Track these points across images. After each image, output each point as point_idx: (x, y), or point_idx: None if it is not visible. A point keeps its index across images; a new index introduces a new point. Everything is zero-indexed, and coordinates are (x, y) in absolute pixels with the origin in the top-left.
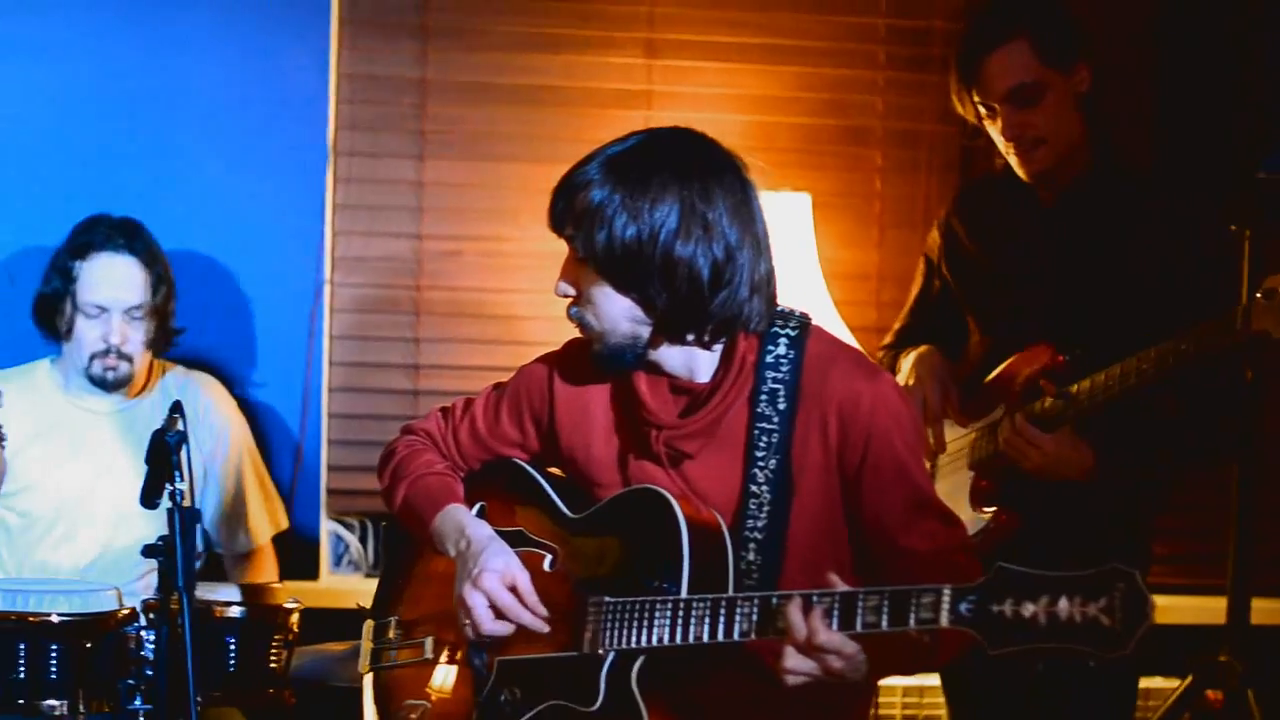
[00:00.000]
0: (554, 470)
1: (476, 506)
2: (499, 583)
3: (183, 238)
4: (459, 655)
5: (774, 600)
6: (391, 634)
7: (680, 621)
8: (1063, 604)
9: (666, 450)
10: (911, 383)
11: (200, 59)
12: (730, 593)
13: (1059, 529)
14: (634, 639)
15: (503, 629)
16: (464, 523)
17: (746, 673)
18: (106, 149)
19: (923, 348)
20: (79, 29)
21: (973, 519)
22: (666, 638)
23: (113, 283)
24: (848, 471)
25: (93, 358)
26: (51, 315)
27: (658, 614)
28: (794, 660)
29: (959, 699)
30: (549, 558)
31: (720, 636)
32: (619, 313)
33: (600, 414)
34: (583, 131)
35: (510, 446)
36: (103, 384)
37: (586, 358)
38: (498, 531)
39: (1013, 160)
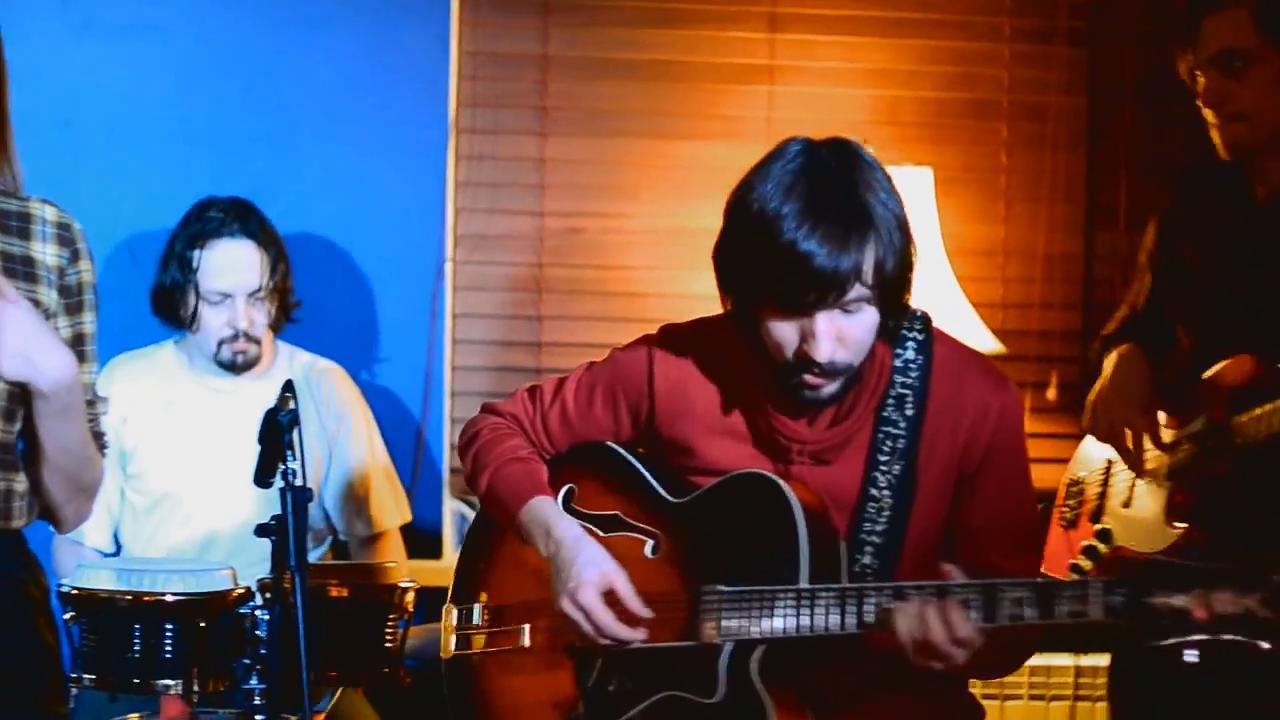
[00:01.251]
0: (640, 450)
1: (565, 489)
2: (596, 597)
3: (304, 217)
4: (558, 643)
5: (907, 591)
6: (478, 619)
7: (805, 612)
8: (1217, 596)
9: (802, 457)
10: (1108, 384)
11: (322, 37)
12: (843, 580)
13: (1246, 549)
14: (754, 628)
15: (609, 644)
16: (550, 520)
17: (862, 660)
18: (228, 129)
19: (1125, 347)
20: (199, 10)
21: (1163, 534)
22: (791, 628)
23: (234, 269)
24: (963, 480)
25: (221, 343)
26: (173, 305)
27: (779, 604)
28: (925, 654)
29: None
30: (650, 543)
31: (850, 628)
32: (871, 337)
33: (702, 403)
34: (704, 106)
35: (602, 432)
36: (232, 367)
37: (685, 345)
38: (590, 515)
39: (1214, 136)
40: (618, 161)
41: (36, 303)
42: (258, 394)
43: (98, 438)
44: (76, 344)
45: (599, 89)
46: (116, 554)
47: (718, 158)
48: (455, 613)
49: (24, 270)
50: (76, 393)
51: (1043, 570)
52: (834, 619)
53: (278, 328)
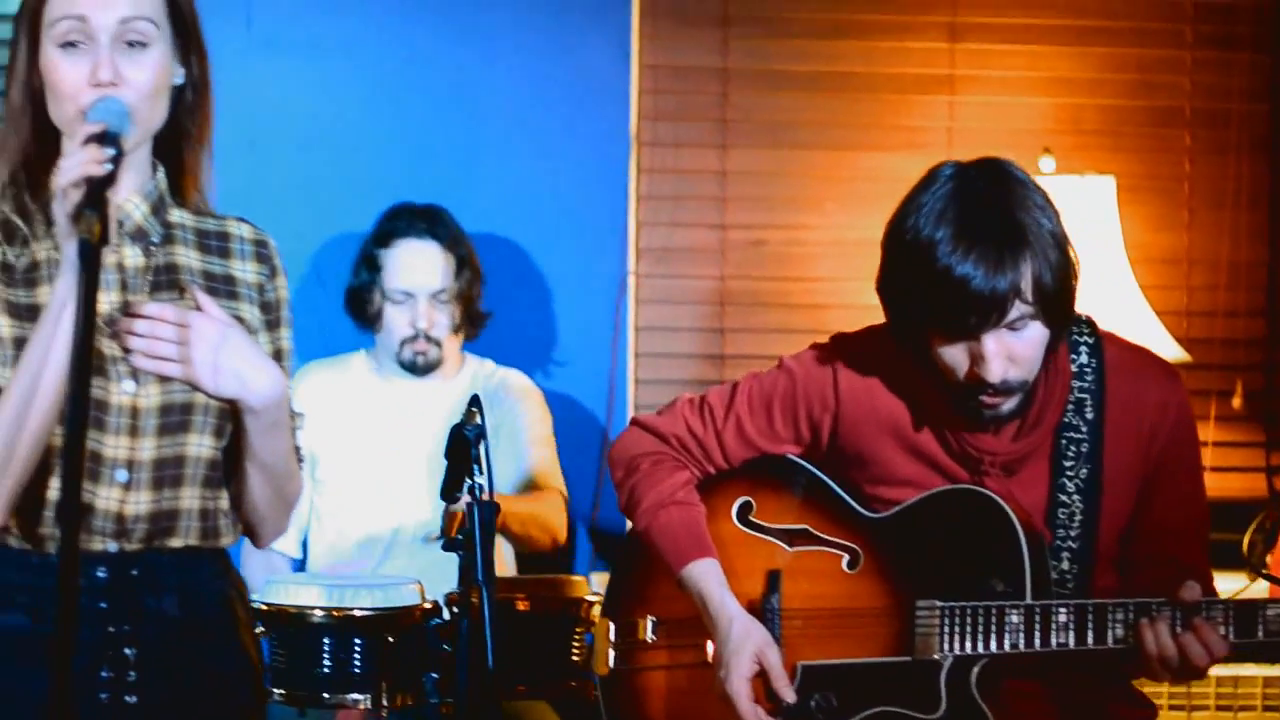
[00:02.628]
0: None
1: (740, 501)
2: (745, 686)
3: (487, 230)
4: None
5: (1154, 607)
6: (645, 634)
7: (1039, 627)
8: None
9: (993, 469)
10: None
11: (504, 50)
12: (1051, 598)
13: None
14: (980, 644)
15: None
16: (705, 595)
17: (1078, 672)
18: (412, 141)
19: None
20: (386, 25)
21: None
22: (1022, 643)
23: (417, 268)
24: (1148, 477)
25: (403, 343)
26: (362, 305)
27: (1009, 619)
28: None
29: None
30: (846, 558)
31: (1089, 643)
32: (1040, 352)
33: (887, 415)
34: (885, 117)
35: (779, 446)
36: (413, 368)
37: (864, 355)
38: (775, 529)
39: None
40: (799, 173)
41: (239, 320)
42: (442, 400)
43: (297, 451)
44: (276, 359)
45: (779, 101)
46: (303, 560)
47: (899, 168)
48: (613, 627)
49: (226, 289)
50: (284, 408)
51: None
52: (1071, 635)
53: (467, 337)
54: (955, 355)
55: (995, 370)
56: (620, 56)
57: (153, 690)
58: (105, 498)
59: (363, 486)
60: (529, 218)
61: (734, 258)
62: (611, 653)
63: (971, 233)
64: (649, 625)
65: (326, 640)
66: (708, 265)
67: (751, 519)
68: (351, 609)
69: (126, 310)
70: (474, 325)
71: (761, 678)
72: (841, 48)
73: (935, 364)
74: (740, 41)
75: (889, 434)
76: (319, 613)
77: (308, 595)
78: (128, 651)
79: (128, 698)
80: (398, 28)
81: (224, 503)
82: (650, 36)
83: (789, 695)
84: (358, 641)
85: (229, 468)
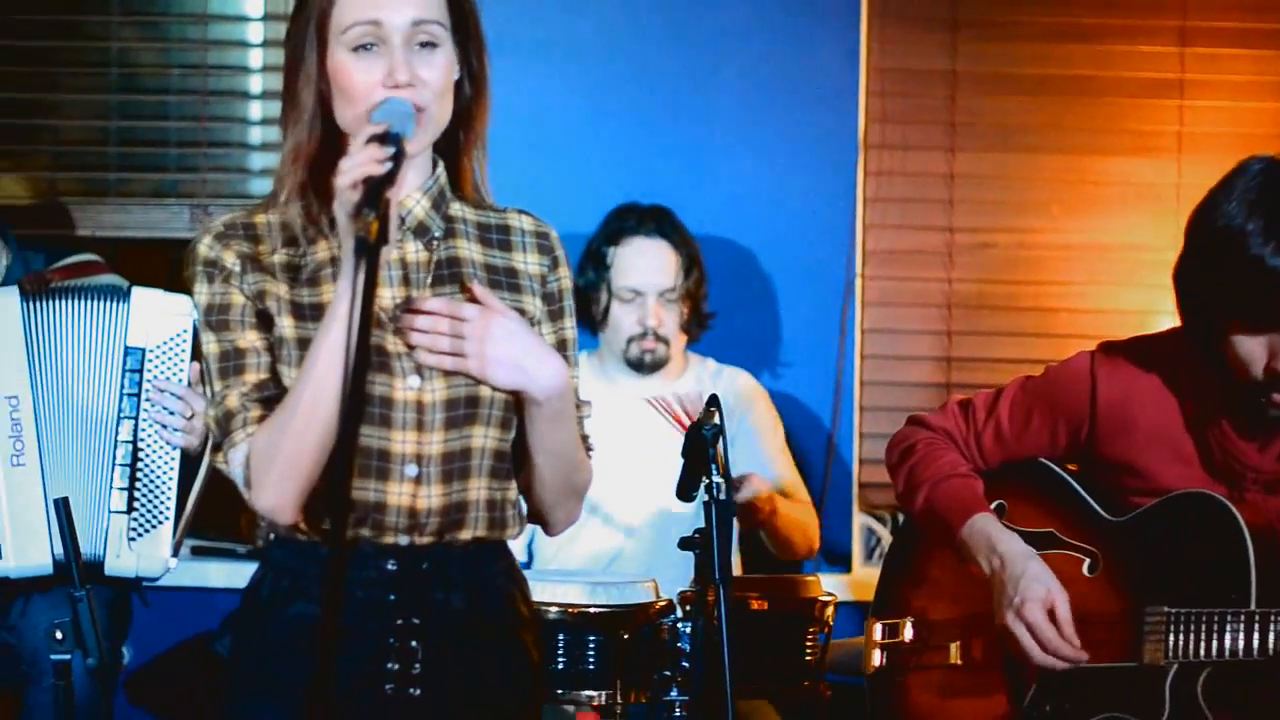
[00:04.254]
0: (1070, 465)
1: (994, 504)
2: (1042, 613)
3: (715, 230)
4: (992, 661)
5: None
6: (906, 635)
7: (1259, 634)
8: None
9: (1256, 485)
10: None
11: (733, 53)
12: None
13: None
14: (1204, 650)
15: (1052, 663)
16: (994, 537)
17: None
18: (640, 142)
19: None
20: (615, 27)
21: None
22: (1241, 649)
23: (646, 266)
24: None
25: (630, 341)
26: (588, 304)
27: (1230, 625)
28: None
29: None
30: (1087, 561)
31: None
32: None
33: (1146, 423)
34: (1113, 121)
35: (1037, 450)
36: (640, 366)
37: (1128, 363)
38: (1024, 532)
39: None
40: (1027, 176)
41: (522, 312)
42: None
43: (584, 440)
44: (560, 349)
45: (1008, 104)
46: (529, 564)
47: (1128, 172)
48: (880, 627)
49: (508, 281)
50: (568, 398)
51: None
52: None
53: (692, 336)
54: (1253, 348)
55: None
56: (849, 59)
57: (437, 684)
58: (397, 493)
59: (596, 491)
60: (756, 220)
61: (961, 261)
62: (877, 653)
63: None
64: (909, 626)
65: (562, 636)
66: (935, 268)
67: (1004, 522)
68: (587, 606)
69: (408, 306)
70: (699, 326)
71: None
72: (1070, 51)
73: (1227, 360)
74: (969, 44)
75: (1150, 444)
76: (554, 609)
77: (541, 592)
78: (414, 644)
79: (412, 690)
80: (627, 30)
81: (511, 493)
82: (879, 39)
83: (1075, 641)
84: (592, 638)
85: (517, 459)
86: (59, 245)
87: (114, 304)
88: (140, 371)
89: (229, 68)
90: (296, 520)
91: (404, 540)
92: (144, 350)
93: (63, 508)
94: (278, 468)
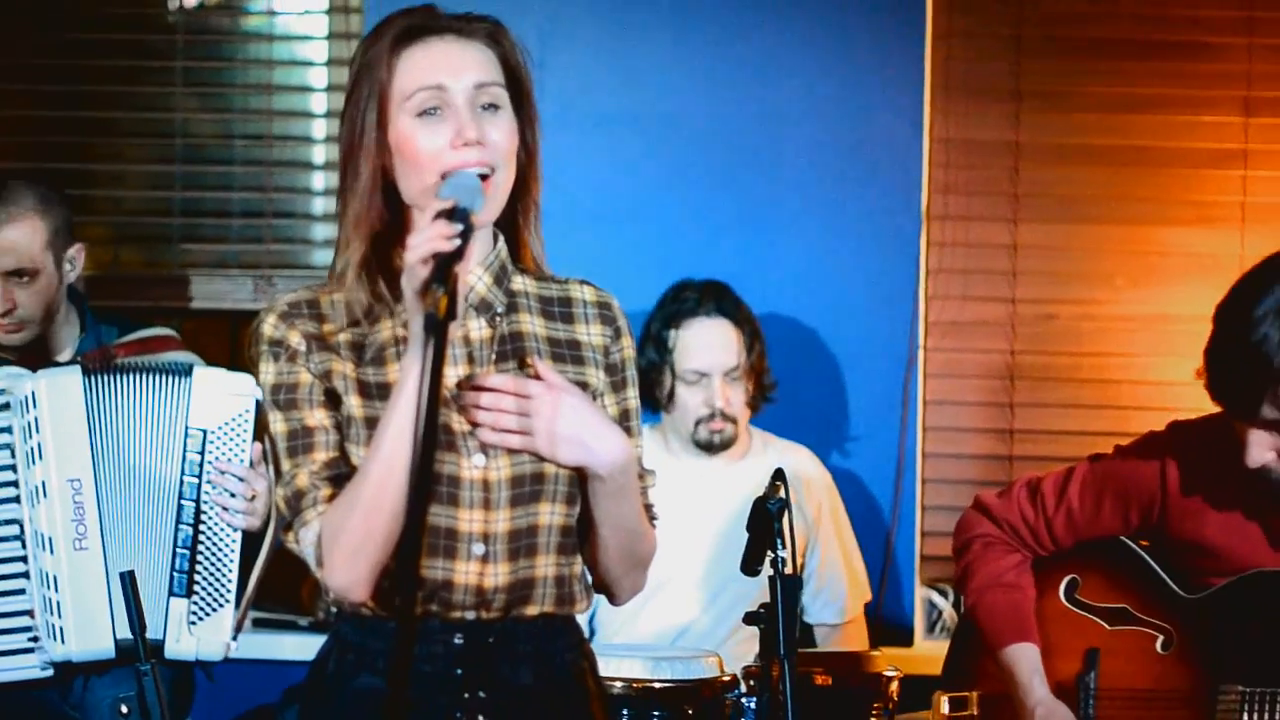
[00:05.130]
0: (1144, 542)
1: (1068, 579)
2: None
3: (777, 302)
4: None
5: None
6: (975, 710)
7: None
8: None
9: None
10: None
11: (795, 123)
12: None
13: None
14: None
15: None
16: (1016, 677)
17: None
18: (701, 214)
19: None
20: (676, 99)
21: None
22: None
23: (710, 347)
24: None
25: (698, 423)
26: (650, 388)
27: None
28: None
29: None
30: (1161, 638)
31: None
32: None
33: (1217, 504)
34: (1177, 192)
35: (1108, 533)
36: (709, 447)
37: (1198, 444)
38: (1097, 608)
39: None
40: (1090, 247)
41: (585, 385)
42: (735, 477)
43: (648, 510)
44: (623, 420)
45: (1071, 175)
46: (591, 637)
47: (1191, 243)
48: (946, 701)
49: (571, 354)
50: (631, 471)
51: None
52: None
53: (754, 408)
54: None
55: None
56: (913, 130)
57: None
58: (464, 572)
59: (655, 562)
60: (820, 291)
61: (1024, 332)
62: None
63: None
64: (976, 701)
65: (626, 712)
66: (998, 339)
67: (1077, 596)
68: (651, 680)
69: (471, 383)
70: (763, 398)
71: None
72: (1134, 122)
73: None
74: (1032, 115)
75: (1220, 525)
76: (619, 684)
77: (605, 666)
78: (481, 719)
79: None
80: (688, 102)
81: (578, 568)
82: (942, 110)
83: None
84: (656, 713)
85: (582, 531)
86: (135, 319)
87: (175, 383)
88: (202, 453)
89: (293, 138)
90: (366, 598)
91: (470, 616)
92: (205, 431)
93: (128, 582)
94: (349, 546)
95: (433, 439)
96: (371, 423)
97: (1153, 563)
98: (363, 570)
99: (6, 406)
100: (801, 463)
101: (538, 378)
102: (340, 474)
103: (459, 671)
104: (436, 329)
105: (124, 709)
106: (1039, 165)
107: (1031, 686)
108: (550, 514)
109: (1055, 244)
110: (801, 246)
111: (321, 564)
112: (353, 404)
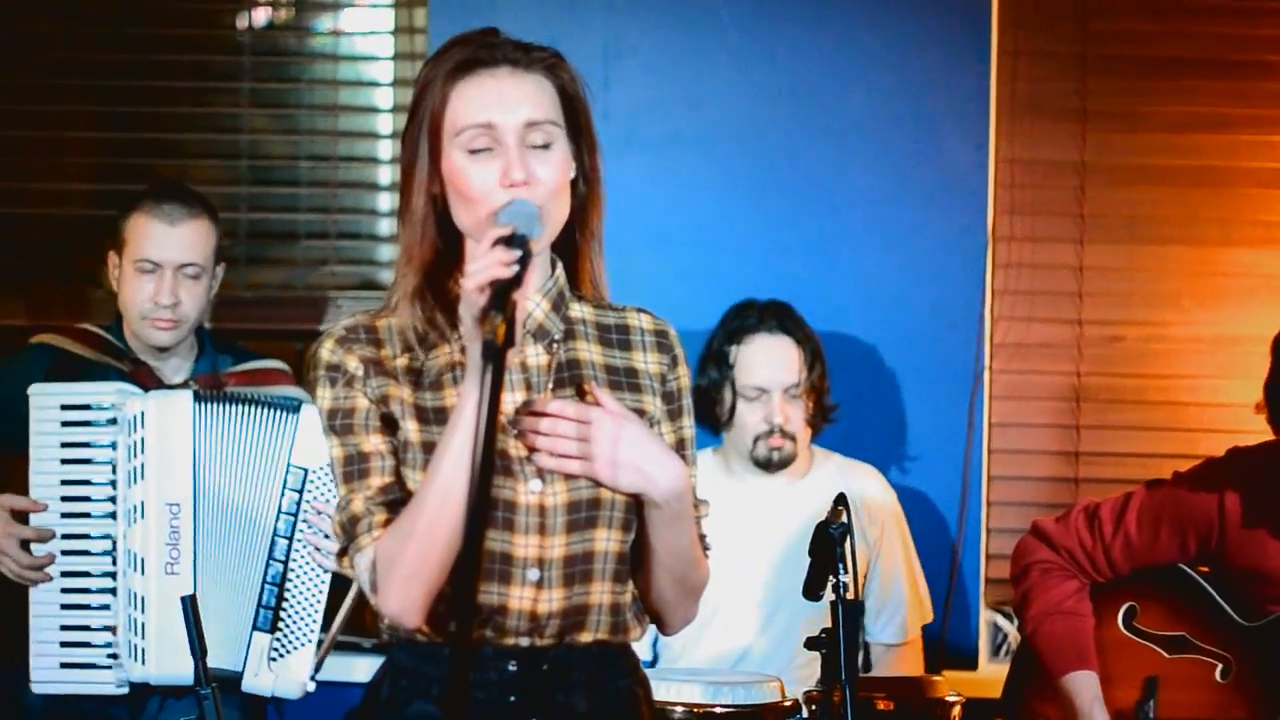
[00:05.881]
0: (1203, 569)
1: (1125, 606)
2: None
3: (843, 322)
4: None
5: None
6: None
7: None
8: None
9: None
10: None
11: (861, 144)
12: None
13: None
14: None
15: None
16: (1080, 704)
17: None
18: (768, 236)
19: None
20: (742, 120)
21: None
22: None
23: (770, 363)
24: None
25: (756, 440)
26: (710, 406)
27: None
28: None
29: None
30: (1220, 666)
31: None
32: None
33: (1274, 529)
34: (1244, 213)
35: (1167, 560)
36: (768, 465)
37: (1256, 470)
38: (1155, 635)
39: None
40: (1157, 268)
41: (642, 412)
42: (797, 496)
43: (702, 539)
44: (679, 449)
45: (1137, 195)
46: (653, 663)
47: (1259, 264)
48: None
49: (629, 381)
50: (687, 499)
51: None
52: None
53: (815, 428)
54: None
55: None
56: (978, 151)
57: None
58: (519, 597)
59: (716, 585)
60: (885, 312)
61: (1091, 353)
62: None
63: None
64: None
65: None
66: (1064, 361)
67: (1136, 624)
68: (711, 706)
69: (529, 409)
70: (823, 419)
71: None
72: (1201, 141)
73: None
74: (1098, 135)
75: (1273, 546)
76: (678, 710)
77: (665, 691)
78: None
79: None
80: (754, 123)
81: (630, 596)
82: (1008, 131)
83: None
84: None
85: (635, 559)
86: (252, 348)
87: (283, 419)
88: (300, 491)
89: (359, 159)
90: (420, 624)
91: (525, 642)
92: (307, 470)
93: (189, 606)
94: (403, 572)
95: (490, 465)
96: (428, 447)
97: (1212, 590)
98: (417, 596)
99: (114, 422)
100: (866, 482)
101: (597, 404)
102: (395, 499)
103: (513, 699)
104: (495, 356)
105: None
106: (1105, 186)
107: (1092, 714)
108: (606, 540)
109: (1121, 265)
110: (867, 267)
111: (376, 590)
112: (410, 429)
